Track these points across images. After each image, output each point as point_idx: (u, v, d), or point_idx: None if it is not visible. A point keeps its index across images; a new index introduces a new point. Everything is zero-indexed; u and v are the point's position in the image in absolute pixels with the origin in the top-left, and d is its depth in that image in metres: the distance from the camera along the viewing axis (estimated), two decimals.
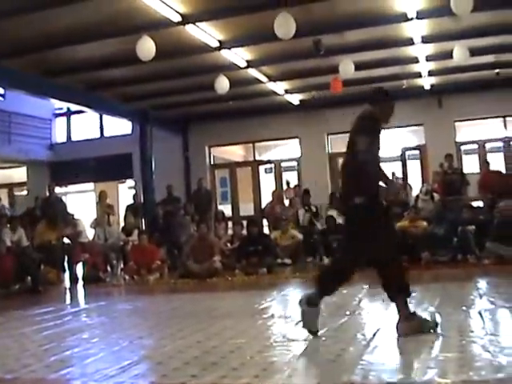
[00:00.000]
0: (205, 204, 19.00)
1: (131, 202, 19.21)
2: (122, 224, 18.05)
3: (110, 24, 12.27)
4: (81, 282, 14.55)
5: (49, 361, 5.79)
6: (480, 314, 6.70)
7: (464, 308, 7.15)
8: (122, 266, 15.68)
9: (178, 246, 16.02)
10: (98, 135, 25.22)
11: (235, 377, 4.76)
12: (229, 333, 6.65)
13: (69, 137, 25.82)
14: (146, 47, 12.34)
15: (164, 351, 5.88)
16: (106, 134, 25.17)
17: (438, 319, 6.30)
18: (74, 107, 22.67)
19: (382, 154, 6.15)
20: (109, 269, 15.56)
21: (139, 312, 9.39)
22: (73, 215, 17.61)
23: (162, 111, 20.93)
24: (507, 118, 20.62)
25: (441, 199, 15.45)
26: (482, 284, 9.62)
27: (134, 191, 21.27)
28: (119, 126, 24.32)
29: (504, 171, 18.11)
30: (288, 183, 21.66)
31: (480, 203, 15.73)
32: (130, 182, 24.52)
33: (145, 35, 12.26)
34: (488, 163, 17.12)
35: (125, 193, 25.06)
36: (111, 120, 23.53)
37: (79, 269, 15.13)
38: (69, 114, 25.58)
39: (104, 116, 24.01)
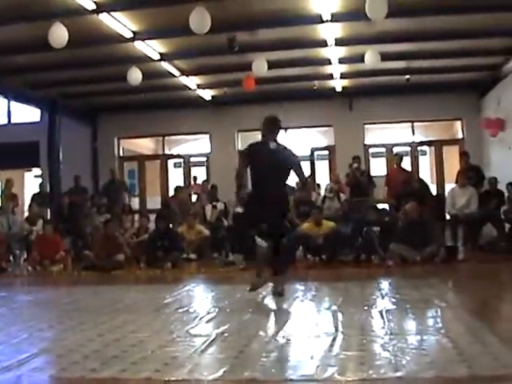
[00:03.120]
0: (118, 195, 18.81)
1: (37, 190, 18.90)
2: (26, 213, 17.74)
3: (22, 8, 11.96)
4: None
5: None
6: (381, 313, 6.81)
7: (366, 308, 7.26)
8: (25, 256, 15.41)
9: (83, 237, 15.85)
10: (5, 121, 24.60)
11: (135, 371, 4.71)
12: (131, 326, 6.59)
13: None
14: (59, 34, 12.12)
15: (64, 344, 5.79)
16: (14, 120, 24.57)
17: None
18: None
19: None
20: (11, 259, 15.27)
21: (41, 304, 9.21)
22: None
23: (71, 100, 20.56)
24: (415, 124, 21.12)
25: (347, 199, 15.69)
26: (385, 284, 9.79)
27: (40, 180, 20.94)
28: (27, 113, 23.79)
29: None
30: (195, 179, 21.70)
31: (385, 205, 16.02)
32: (37, 171, 24.08)
33: (57, 22, 12.03)
34: (401, 157, 16.98)
35: (31, 181, 24.63)
36: (19, 107, 23.06)
37: None
38: None
39: (12, 102, 23.45)
